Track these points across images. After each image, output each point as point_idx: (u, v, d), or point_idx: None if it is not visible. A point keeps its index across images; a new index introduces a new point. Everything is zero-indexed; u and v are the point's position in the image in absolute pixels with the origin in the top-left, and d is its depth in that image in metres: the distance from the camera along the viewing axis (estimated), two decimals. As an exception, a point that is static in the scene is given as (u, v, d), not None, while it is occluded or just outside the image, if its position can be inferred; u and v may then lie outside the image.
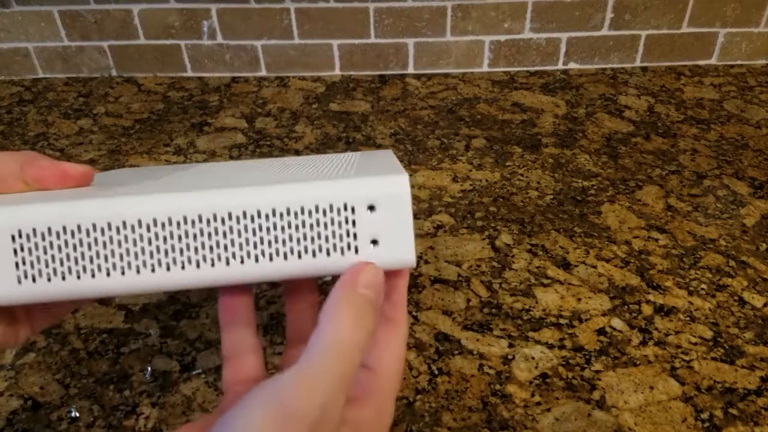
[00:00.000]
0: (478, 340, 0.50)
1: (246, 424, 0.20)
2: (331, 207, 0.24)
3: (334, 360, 0.22)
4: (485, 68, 0.95)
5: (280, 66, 0.95)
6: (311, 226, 0.24)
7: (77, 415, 0.46)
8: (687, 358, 0.49)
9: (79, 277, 0.24)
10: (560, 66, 0.95)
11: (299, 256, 0.24)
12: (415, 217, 0.64)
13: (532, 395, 0.46)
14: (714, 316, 0.52)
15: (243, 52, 0.93)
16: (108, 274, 0.24)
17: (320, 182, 0.24)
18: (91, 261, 0.24)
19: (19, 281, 0.24)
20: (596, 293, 0.55)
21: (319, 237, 0.24)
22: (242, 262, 0.24)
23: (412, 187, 0.69)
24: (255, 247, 0.24)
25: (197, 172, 0.33)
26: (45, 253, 0.24)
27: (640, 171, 0.71)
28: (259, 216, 0.24)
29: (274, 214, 0.24)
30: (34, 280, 0.24)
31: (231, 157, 0.75)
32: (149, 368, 0.49)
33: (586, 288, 0.55)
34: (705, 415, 0.44)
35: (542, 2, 0.89)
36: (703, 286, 0.55)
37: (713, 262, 0.58)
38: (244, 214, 0.24)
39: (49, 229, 0.24)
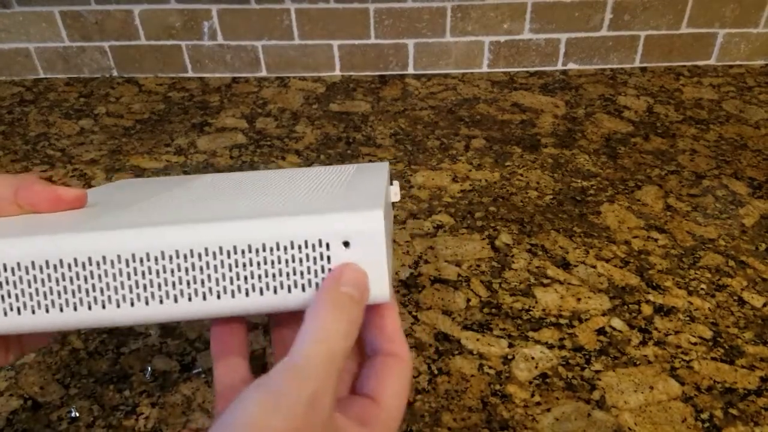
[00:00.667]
0: (477, 340, 0.50)
1: (242, 416, 0.20)
2: (306, 243, 0.24)
3: (319, 349, 0.22)
4: (485, 69, 0.95)
5: (280, 66, 0.95)
6: (286, 261, 0.24)
7: (77, 415, 0.46)
8: (687, 358, 0.49)
9: (61, 310, 0.24)
10: (559, 66, 0.95)
11: (275, 291, 0.24)
12: (415, 217, 0.64)
13: (532, 395, 0.46)
14: (714, 316, 0.52)
15: (243, 52, 0.93)
16: (89, 308, 0.24)
17: (295, 218, 0.24)
18: (73, 295, 0.24)
19: (5, 313, 0.24)
20: (596, 293, 0.55)
21: (294, 272, 0.24)
22: (218, 297, 0.24)
23: (412, 187, 0.69)
24: (231, 282, 0.24)
25: (185, 192, 0.33)
26: (29, 286, 0.24)
27: (640, 171, 0.71)
28: (235, 252, 0.24)
29: (249, 250, 0.24)
30: (18, 312, 0.24)
31: (231, 158, 0.75)
32: (149, 368, 0.49)
33: (585, 288, 0.55)
34: (705, 415, 0.44)
35: (542, 3, 0.89)
36: (703, 286, 0.55)
37: (713, 262, 0.58)
38: (221, 249, 0.24)
39: (33, 263, 0.24)
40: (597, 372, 0.47)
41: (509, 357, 0.48)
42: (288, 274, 0.24)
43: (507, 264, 0.58)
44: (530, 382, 0.47)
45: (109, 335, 0.52)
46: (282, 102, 0.88)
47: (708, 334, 0.51)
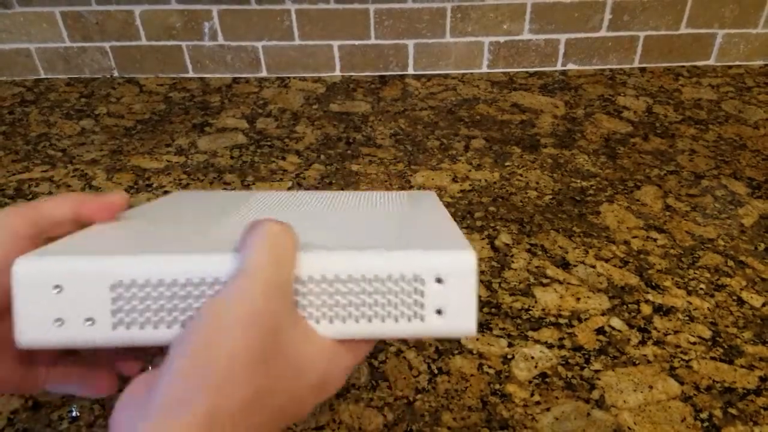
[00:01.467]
0: (477, 339, 0.50)
1: (190, 327, 0.22)
2: (403, 277, 0.26)
3: (260, 256, 0.24)
4: (484, 69, 0.95)
5: (280, 67, 0.95)
6: (384, 293, 0.26)
7: (78, 414, 0.46)
8: (686, 357, 0.49)
9: (169, 327, 0.25)
10: (559, 67, 0.95)
11: (370, 320, 0.26)
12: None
13: (532, 395, 0.46)
14: (713, 315, 0.52)
15: (244, 53, 0.94)
16: (181, 326, 0.25)
17: (396, 252, 0.26)
18: (182, 312, 0.25)
19: (114, 327, 0.25)
20: (595, 293, 0.55)
21: (390, 304, 0.26)
22: (331, 322, 0.26)
23: (412, 187, 0.69)
24: (341, 308, 0.26)
25: (265, 210, 0.34)
26: (141, 303, 0.25)
27: (639, 171, 0.71)
28: (344, 280, 0.26)
29: (357, 280, 0.26)
30: (127, 327, 0.25)
31: (232, 158, 0.75)
32: (150, 367, 0.49)
33: (585, 288, 0.55)
34: (704, 415, 0.44)
35: (541, 3, 0.89)
36: (702, 285, 0.55)
37: (712, 262, 0.58)
38: (336, 277, 0.26)
39: (147, 281, 0.25)
40: (596, 371, 0.48)
41: (509, 356, 0.48)
42: (384, 305, 0.26)
43: (506, 264, 0.58)
44: (530, 382, 0.47)
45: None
46: (282, 102, 0.88)
47: (707, 333, 0.51)
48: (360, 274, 0.26)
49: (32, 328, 0.25)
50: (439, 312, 0.26)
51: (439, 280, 0.26)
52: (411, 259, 0.26)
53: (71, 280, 0.25)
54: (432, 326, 0.26)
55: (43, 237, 0.28)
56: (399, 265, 0.26)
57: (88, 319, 0.25)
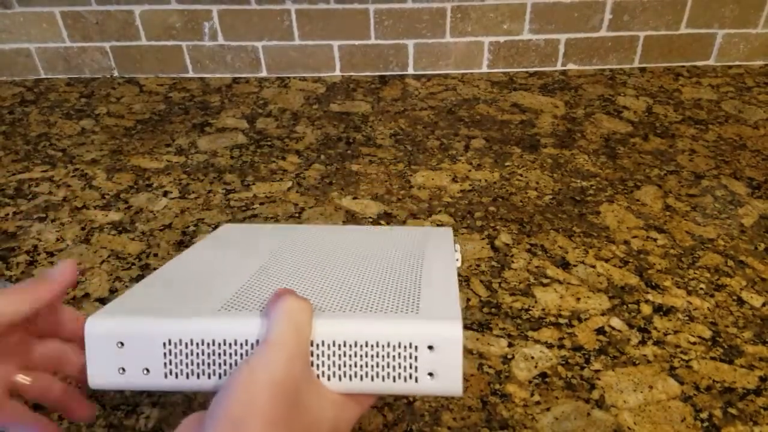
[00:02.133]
0: (477, 339, 0.50)
1: (227, 389, 0.26)
2: (400, 344, 0.31)
3: (286, 326, 0.29)
4: (484, 69, 0.95)
5: (280, 67, 0.95)
6: (384, 357, 0.31)
7: (79, 414, 0.46)
8: (686, 357, 0.49)
9: (210, 378, 0.31)
10: (559, 67, 0.95)
11: (372, 379, 0.31)
12: (415, 217, 0.64)
13: (532, 395, 0.46)
14: (713, 315, 0.52)
15: (244, 53, 0.94)
16: (219, 378, 0.31)
17: (394, 322, 0.31)
18: (220, 366, 0.31)
19: (166, 376, 0.31)
20: (595, 293, 0.55)
21: (389, 366, 0.31)
22: (340, 379, 0.31)
23: (412, 187, 0.70)
24: (348, 368, 0.31)
25: (294, 267, 0.39)
26: (187, 357, 0.31)
27: (639, 171, 0.71)
28: (350, 345, 0.31)
29: (361, 345, 0.31)
30: (176, 376, 0.31)
31: (232, 158, 0.75)
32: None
33: (585, 287, 0.55)
34: (704, 415, 0.44)
35: (541, 4, 0.89)
36: (702, 285, 0.55)
37: (712, 262, 0.58)
38: (344, 342, 0.31)
39: (191, 340, 0.30)
40: (596, 371, 0.48)
41: (509, 356, 0.49)
42: (383, 367, 0.31)
43: (506, 264, 0.58)
44: (530, 382, 0.47)
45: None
46: (282, 102, 0.88)
47: (707, 333, 0.51)
48: (364, 340, 0.31)
49: (100, 374, 0.31)
50: (430, 375, 0.31)
51: (430, 348, 0.30)
52: (407, 329, 0.31)
53: (131, 339, 0.31)
54: (424, 387, 0.31)
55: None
56: (397, 335, 0.31)
57: (144, 369, 0.31)
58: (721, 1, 0.89)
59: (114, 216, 0.66)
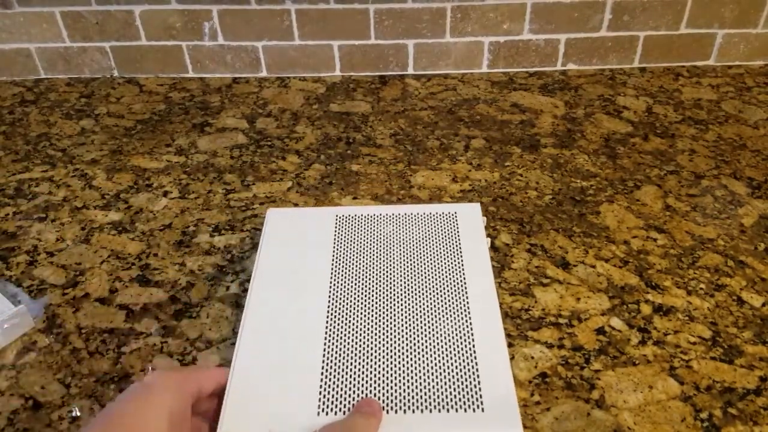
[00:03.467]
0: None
1: None
2: None
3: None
4: (484, 69, 0.95)
5: (280, 67, 0.95)
6: None
7: (78, 414, 0.46)
8: (686, 357, 0.49)
9: None
10: (559, 67, 0.95)
11: None
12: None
13: (532, 394, 0.46)
14: (713, 315, 0.52)
15: (244, 53, 0.94)
16: None
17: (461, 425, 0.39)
18: None
19: None
20: (595, 293, 0.55)
21: None
22: None
23: (412, 187, 0.70)
24: None
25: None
26: None
27: (639, 171, 0.71)
28: None
29: None
30: None
31: (232, 158, 0.75)
32: (150, 368, 0.49)
33: (585, 287, 0.55)
34: (704, 415, 0.44)
35: (541, 3, 0.89)
36: (702, 285, 0.55)
37: (712, 262, 0.58)
38: None
39: None
40: (596, 371, 0.48)
41: (509, 356, 0.48)
42: None
43: (506, 264, 0.58)
44: (530, 382, 0.47)
45: (110, 335, 0.52)
46: (282, 102, 0.88)
47: (707, 333, 0.51)
48: None
49: None
50: None
51: None
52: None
53: None
54: None
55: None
56: None
57: None
58: (721, 1, 0.89)
59: (114, 216, 0.66)
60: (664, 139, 0.78)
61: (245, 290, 0.56)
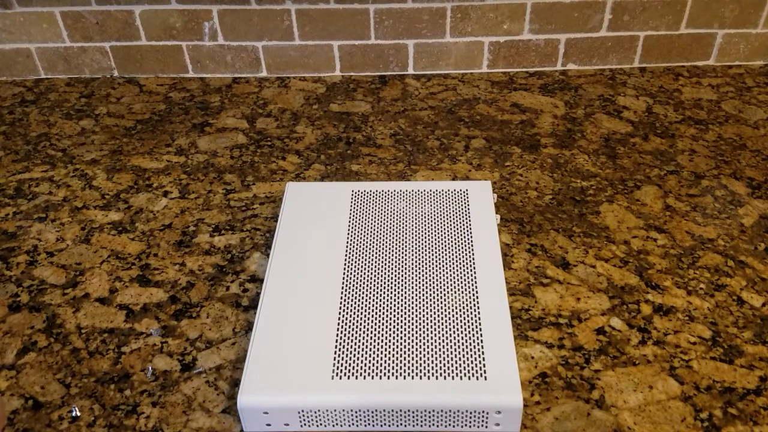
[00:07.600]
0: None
1: None
2: (472, 412, 0.42)
3: None
4: (484, 69, 0.95)
5: (280, 67, 0.95)
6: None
7: (78, 414, 0.46)
8: (686, 357, 0.49)
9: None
10: (559, 67, 0.95)
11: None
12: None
13: (532, 395, 0.46)
14: (713, 315, 0.52)
15: (244, 53, 0.94)
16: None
17: (466, 391, 0.42)
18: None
19: (302, 426, 0.43)
20: (595, 293, 0.55)
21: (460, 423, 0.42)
22: None
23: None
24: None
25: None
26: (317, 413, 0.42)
27: (639, 171, 0.71)
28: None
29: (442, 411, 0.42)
30: (309, 426, 0.43)
31: (232, 158, 0.75)
32: (150, 368, 0.49)
33: (585, 287, 0.55)
34: (704, 415, 0.44)
35: (541, 3, 0.89)
36: (702, 285, 0.55)
37: (712, 262, 0.58)
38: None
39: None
40: (596, 371, 0.48)
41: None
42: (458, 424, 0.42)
43: (506, 264, 0.58)
44: (530, 382, 0.47)
45: (109, 335, 0.52)
46: (282, 102, 0.88)
47: (707, 333, 0.51)
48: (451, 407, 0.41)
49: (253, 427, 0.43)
50: (497, 425, 0.42)
51: (498, 411, 0.41)
52: (479, 402, 0.41)
53: (273, 410, 0.42)
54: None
55: None
56: (467, 403, 0.41)
57: (285, 423, 0.43)
58: (721, 1, 0.89)
59: (114, 216, 0.66)
60: (664, 139, 0.78)
61: (245, 290, 0.56)
